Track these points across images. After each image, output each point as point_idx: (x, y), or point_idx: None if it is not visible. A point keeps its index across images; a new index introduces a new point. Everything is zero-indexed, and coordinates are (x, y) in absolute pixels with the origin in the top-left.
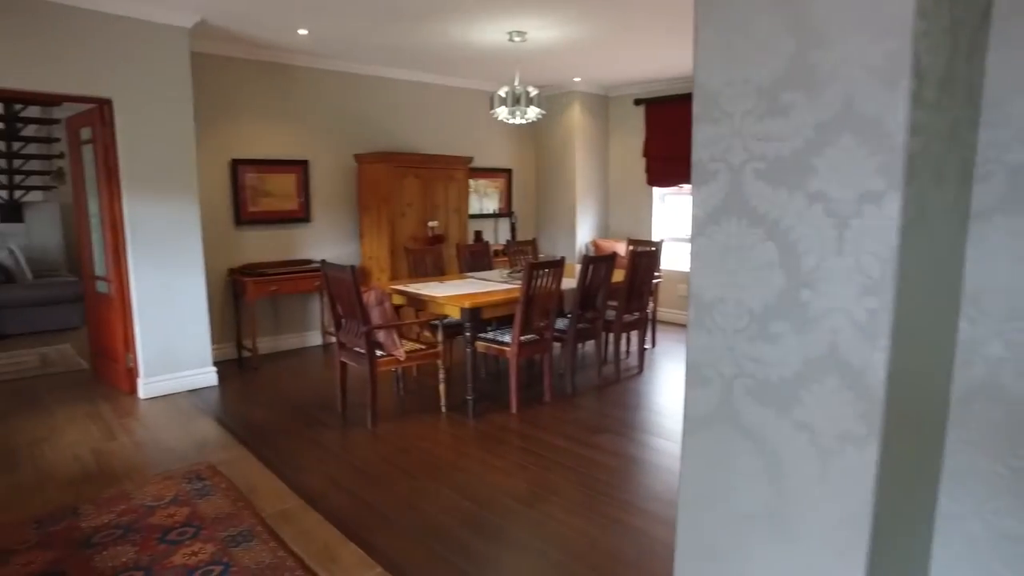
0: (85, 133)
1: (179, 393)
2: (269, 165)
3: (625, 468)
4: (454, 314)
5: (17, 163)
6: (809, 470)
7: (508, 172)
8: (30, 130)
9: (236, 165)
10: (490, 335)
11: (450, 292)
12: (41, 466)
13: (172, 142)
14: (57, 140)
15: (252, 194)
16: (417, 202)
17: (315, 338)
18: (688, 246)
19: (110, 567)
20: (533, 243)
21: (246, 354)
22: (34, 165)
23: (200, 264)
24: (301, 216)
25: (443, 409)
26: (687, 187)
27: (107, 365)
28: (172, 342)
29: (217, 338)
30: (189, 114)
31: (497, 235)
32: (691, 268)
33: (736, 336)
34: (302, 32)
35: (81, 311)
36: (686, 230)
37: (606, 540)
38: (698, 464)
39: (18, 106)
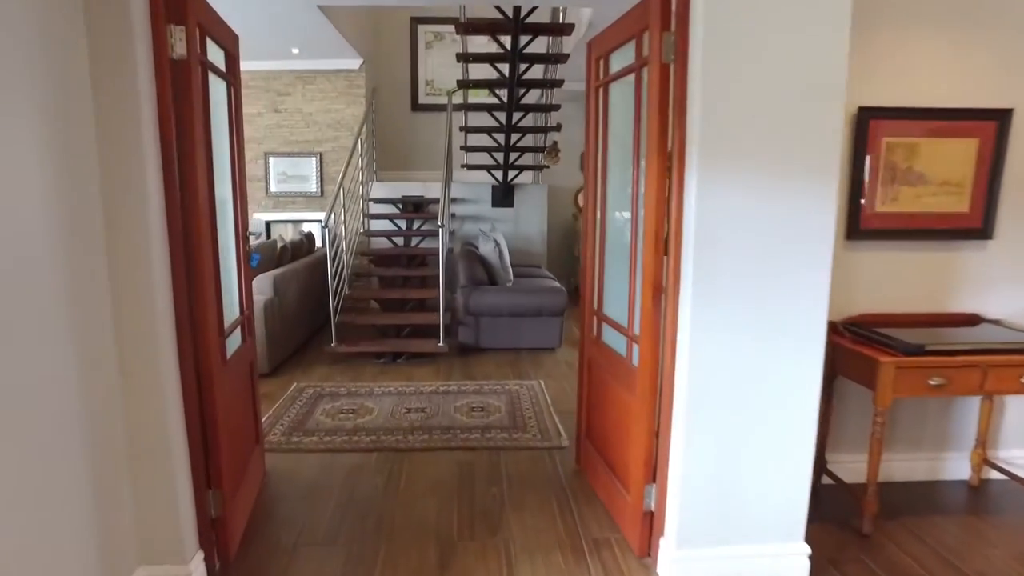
0: (620, 56)
1: None
2: (931, 119)
3: None
4: None
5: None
6: None
7: None
8: (530, 97)
9: (866, 119)
10: None
11: None
12: None
13: (803, 69)
14: (556, 108)
15: (888, 178)
16: None
17: (958, 466)
18: None
19: None
20: None
21: (826, 480)
22: (527, 141)
23: (821, 320)
24: (972, 226)
25: None
26: None
27: (606, 478)
28: (740, 483)
29: None
30: (845, 17)
31: None
32: None
33: None
34: None
35: (561, 327)
36: None
37: None
38: None
39: (523, 65)
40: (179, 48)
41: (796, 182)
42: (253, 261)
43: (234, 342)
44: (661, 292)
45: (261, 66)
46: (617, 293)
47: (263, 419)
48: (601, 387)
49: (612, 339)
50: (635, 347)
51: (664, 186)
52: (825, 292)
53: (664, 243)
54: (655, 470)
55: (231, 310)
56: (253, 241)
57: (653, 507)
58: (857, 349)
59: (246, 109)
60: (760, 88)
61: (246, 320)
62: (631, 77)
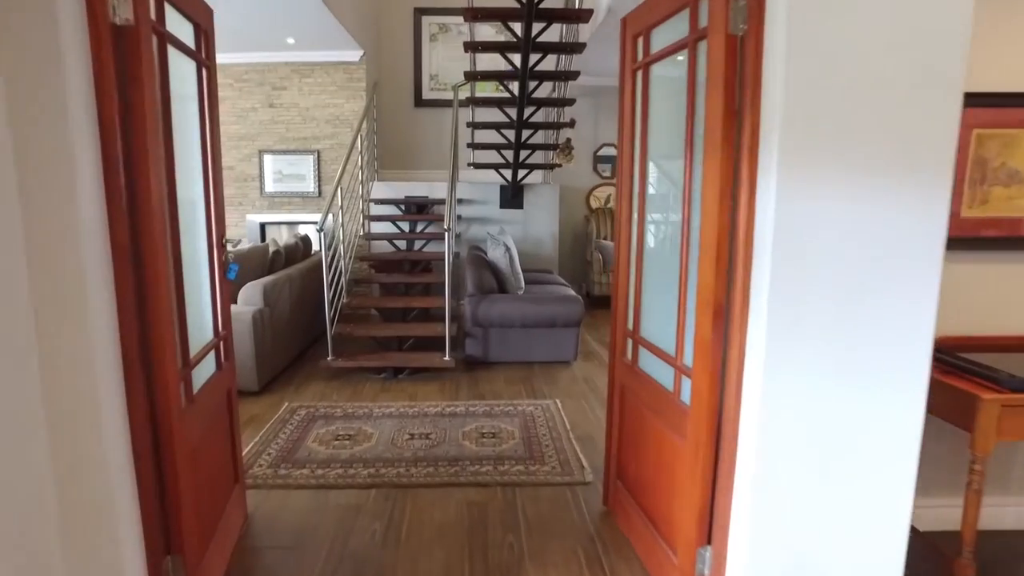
0: (665, 31)
1: None
2: None
3: None
4: None
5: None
6: None
7: None
8: (542, 91)
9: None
10: None
11: None
12: None
13: (917, 42)
14: (570, 103)
15: (977, 177)
16: None
17: None
18: None
19: None
20: None
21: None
22: (538, 138)
23: (925, 359)
24: None
25: None
26: None
27: (642, 528)
28: (820, 553)
29: None
30: None
31: None
32: None
33: None
34: None
35: (577, 339)
36: None
37: None
38: None
39: (535, 56)
40: (123, 11)
41: (902, 184)
42: (231, 273)
43: (205, 370)
44: (723, 316)
45: (255, 58)
46: (659, 312)
47: (248, 447)
48: (637, 421)
49: (653, 367)
50: (685, 380)
51: (729, 185)
52: (931, 324)
53: (727, 255)
54: (711, 530)
55: (201, 333)
56: (231, 248)
57: (707, 574)
58: (948, 381)
59: (239, 103)
60: (862, 66)
61: (222, 341)
62: (682, 55)
